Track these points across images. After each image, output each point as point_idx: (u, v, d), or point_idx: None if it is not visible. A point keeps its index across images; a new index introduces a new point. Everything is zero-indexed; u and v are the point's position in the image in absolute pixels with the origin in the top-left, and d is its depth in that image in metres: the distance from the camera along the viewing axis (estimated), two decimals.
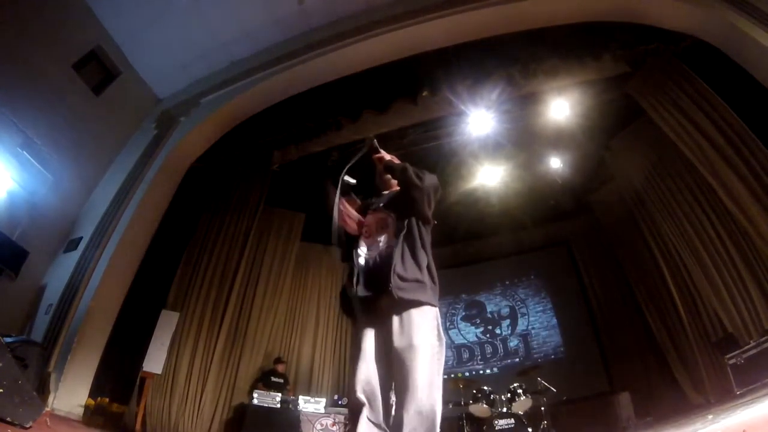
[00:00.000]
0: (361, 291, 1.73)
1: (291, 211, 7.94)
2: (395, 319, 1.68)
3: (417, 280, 1.73)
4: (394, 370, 1.64)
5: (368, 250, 1.89)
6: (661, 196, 6.25)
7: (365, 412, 1.60)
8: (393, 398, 1.69)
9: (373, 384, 1.65)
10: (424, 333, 1.66)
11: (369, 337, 1.74)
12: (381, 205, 2.05)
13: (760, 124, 4.72)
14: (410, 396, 1.54)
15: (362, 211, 2.09)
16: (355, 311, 1.78)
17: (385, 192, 2.18)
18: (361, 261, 1.85)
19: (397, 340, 1.65)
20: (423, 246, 1.85)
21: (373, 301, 1.73)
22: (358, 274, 1.79)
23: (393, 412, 1.63)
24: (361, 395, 1.62)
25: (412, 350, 1.61)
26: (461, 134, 6.81)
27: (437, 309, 1.77)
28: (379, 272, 1.74)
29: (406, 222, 1.86)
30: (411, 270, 1.73)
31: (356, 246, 1.93)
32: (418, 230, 1.89)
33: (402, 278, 1.68)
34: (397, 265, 1.70)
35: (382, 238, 1.90)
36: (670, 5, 5.09)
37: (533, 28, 5.71)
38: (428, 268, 1.81)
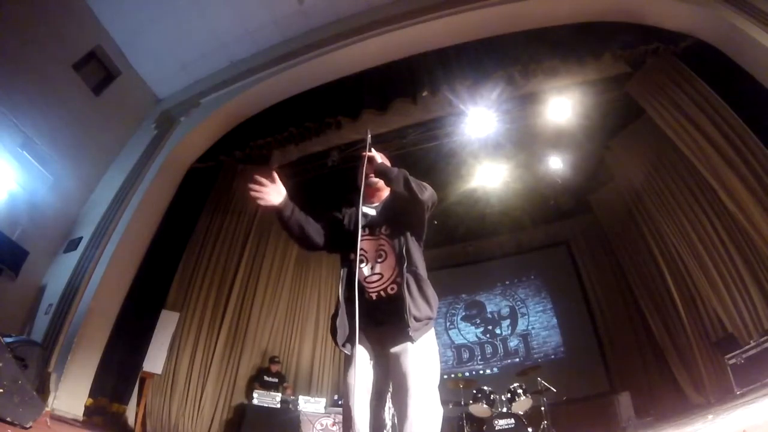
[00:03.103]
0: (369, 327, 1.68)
1: None
2: (398, 341, 1.68)
3: (429, 318, 1.72)
4: (394, 382, 1.65)
5: (370, 282, 1.80)
6: (661, 196, 6.25)
7: (358, 422, 1.60)
8: (386, 409, 1.70)
9: (366, 395, 1.66)
10: (424, 352, 1.67)
11: (363, 349, 1.73)
12: (376, 225, 1.89)
13: (760, 124, 4.71)
14: (412, 407, 1.54)
15: (350, 226, 1.95)
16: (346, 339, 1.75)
17: (375, 203, 1.98)
18: (369, 296, 1.78)
19: (398, 360, 1.66)
20: (423, 270, 1.81)
21: (376, 332, 1.74)
22: (358, 310, 1.73)
23: (390, 424, 1.64)
24: (354, 406, 1.63)
25: (412, 367, 1.62)
26: (461, 134, 6.81)
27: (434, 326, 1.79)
28: (389, 311, 1.70)
29: (404, 248, 1.78)
30: (424, 309, 1.71)
31: (353, 271, 1.82)
32: (416, 253, 1.82)
33: (417, 319, 1.68)
34: (412, 308, 1.67)
35: (384, 270, 1.81)
36: (670, 5, 5.09)
37: (533, 28, 5.71)
38: (432, 296, 1.78)
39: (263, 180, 1.83)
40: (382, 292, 1.78)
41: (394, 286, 1.77)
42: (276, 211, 1.86)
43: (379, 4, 6.02)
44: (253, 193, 1.81)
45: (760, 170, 4.58)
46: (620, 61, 5.85)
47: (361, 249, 1.84)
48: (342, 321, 1.75)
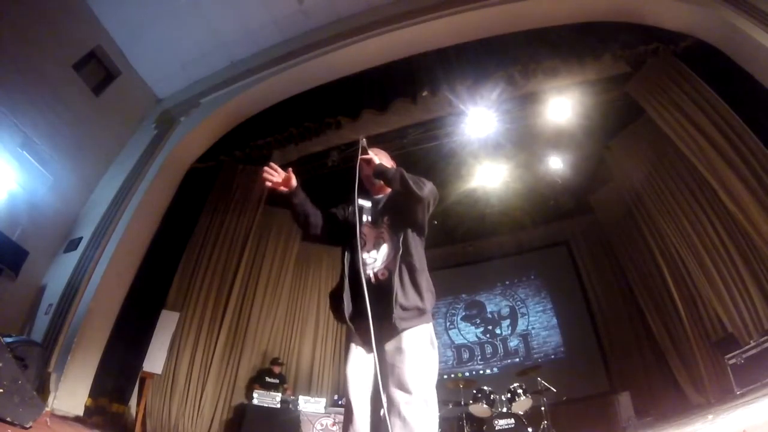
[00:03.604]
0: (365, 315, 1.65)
1: None
2: (392, 335, 1.68)
3: (417, 308, 1.71)
4: (390, 378, 1.64)
5: (365, 264, 1.81)
6: (661, 195, 6.24)
7: (357, 416, 1.60)
8: (384, 405, 1.71)
9: (366, 388, 1.66)
10: (420, 347, 1.67)
11: (360, 343, 1.73)
12: (379, 216, 1.95)
13: (760, 124, 4.71)
14: (406, 403, 1.54)
15: (353, 217, 1.99)
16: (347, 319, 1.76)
17: (378, 195, 2.07)
18: (364, 278, 1.77)
19: (393, 355, 1.65)
20: (421, 262, 1.82)
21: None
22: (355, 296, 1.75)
23: (387, 419, 1.64)
24: (354, 399, 1.63)
25: (408, 362, 1.62)
26: (461, 134, 6.81)
27: (432, 321, 1.79)
28: (378, 297, 1.69)
29: (401, 239, 1.81)
30: (412, 298, 1.71)
31: (353, 256, 1.85)
32: (415, 246, 1.84)
33: (404, 308, 1.68)
34: (399, 295, 1.68)
35: (379, 256, 1.84)
36: (670, 5, 5.10)
37: (533, 28, 5.71)
38: (427, 288, 1.77)
39: (277, 168, 1.93)
40: (372, 276, 1.80)
41: (385, 272, 1.79)
42: (287, 197, 1.95)
43: (379, 4, 6.02)
44: (265, 175, 1.90)
45: (760, 170, 4.58)
46: (620, 61, 5.85)
47: (362, 234, 1.90)
48: (347, 297, 1.76)
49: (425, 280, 1.79)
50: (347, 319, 1.72)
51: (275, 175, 1.91)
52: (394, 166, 2.03)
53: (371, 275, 1.80)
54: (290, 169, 1.95)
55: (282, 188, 1.92)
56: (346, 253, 1.89)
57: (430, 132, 7.01)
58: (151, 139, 6.39)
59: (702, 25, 5.01)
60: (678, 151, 5.59)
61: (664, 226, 6.19)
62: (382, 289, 1.72)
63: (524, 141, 7.18)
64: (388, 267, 1.79)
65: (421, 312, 1.72)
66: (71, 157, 5.70)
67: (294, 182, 1.94)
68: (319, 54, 6.12)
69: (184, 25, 6.10)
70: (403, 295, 1.70)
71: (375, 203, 2.02)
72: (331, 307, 1.87)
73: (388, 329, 1.67)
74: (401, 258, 1.77)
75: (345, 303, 1.75)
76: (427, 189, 1.83)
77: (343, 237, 1.98)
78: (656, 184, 6.35)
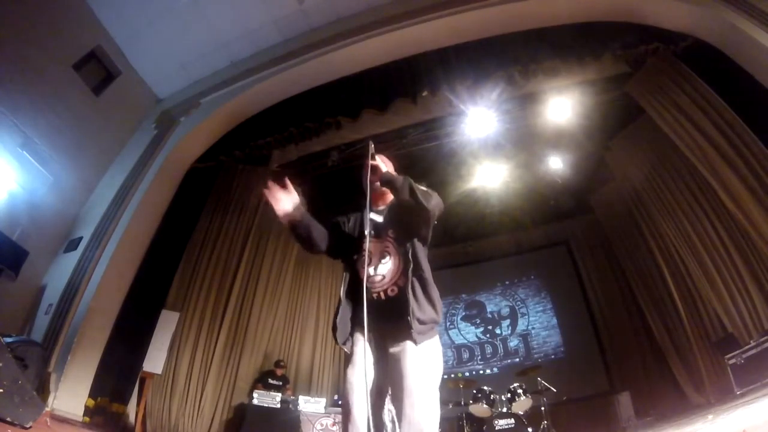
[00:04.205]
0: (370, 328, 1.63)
1: None
2: (398, 341, 1.68)
3: (434, 321, 1.72)
4: (393, 382, 1.65)
5: (372, 282, 1.79)
6: (661, 196, 6.25)
7: (357, 418, 1.60)
8: (387, 408, 1.70)
9: (367, 393, 1.66)
10: (425, 355, 1.67)
11: (364, 348, 1.72)
12: (382, 229, 1.92)
13: (760, 124, 4.71)
14: (409, 407, 1.54)
15: (355, 231, 1.99)
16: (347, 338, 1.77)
17: (380, 206, 2.04)
18: (370, 296, 1.76)
19: (398, 360, 1.65)
20: (429, 274, 1.81)
21: (377, 331, 1.72)
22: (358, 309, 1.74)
23: (389, 422, 1.64)
24: (354, 402, 1.63)
25: (413, 367, 1.62)
26: (461, 134, 6.81)
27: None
28: (390, 313, 1.69)
29: (410, 251, 1.79)
30: (428, 312, 1.72)
31: (356, 274, 1.85)
32: (422, 257, 1.83)
33: (421, 322, 1.68)
34: (415, 310, 1.68)
35: (386, 272, 1.82)
36: (670, 5, 5.10)
37: (533, 28, 5.71)
38: (438, 299, 1.78)
39: (276, 186, 1.86)
40: (382, 294, 1.79)
41: (395, 288, 1.78)
42: (290, 217, 1.88)
43: (379, 4, 6.02)
44: (269, 199, 1.84)
45: (760, 170, 4.58)
46: (620, 61, 5.85)
47: (366, 250, 1.85)
48: (343, 319, 1.77)
49: (435, 291, 1.79)
50: (341, 343, 1.74)
51: (277, 196, 1.85)
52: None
53: (381, 293, 1.78)
54: (286, 179, 1.88)
55: (285, 206, 1.84)
56: (346, 269, 1.88)
57: (430, 132, 7.01)
58: (151, 139, 6.38)
59: (702, 25, 5.01)
60: (678, 151, 5.59)
61: (664, 226, 6.19)
62: (394, 305, 1.72)
63: (524, 141, 7.18)
64: (397, 283, 1.78)
65: (435, 324, 1.73)
66: (71, 157, 5.70)
67: (295, 196, 1.87)
68: (319, 54, 6.12)
69: (184, 25, 6.10)
70: (419, 309, 1.69)
71: (377, 215, 1.98)
72: (331, 328, 1.86)
73: (394, 336, 1.68)
74: (413, 272, 1.75)
75: (339, 328, 1.75)
76: (433, 201, 1.81)
77: (345, 252, 1.95)
78: (656, 184, 6.36)
